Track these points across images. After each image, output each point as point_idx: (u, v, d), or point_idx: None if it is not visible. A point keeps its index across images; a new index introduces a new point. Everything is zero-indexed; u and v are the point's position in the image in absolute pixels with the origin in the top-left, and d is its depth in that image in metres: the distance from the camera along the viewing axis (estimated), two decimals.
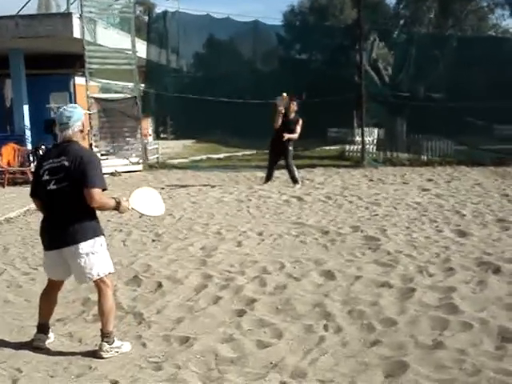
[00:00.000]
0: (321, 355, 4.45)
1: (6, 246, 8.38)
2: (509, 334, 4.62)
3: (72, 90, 18.54)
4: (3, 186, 14.15)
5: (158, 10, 22.40)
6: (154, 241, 8.34)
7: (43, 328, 4.89)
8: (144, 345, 4.78)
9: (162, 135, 26.31)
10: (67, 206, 4.54)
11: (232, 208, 10.72)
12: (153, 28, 19.17)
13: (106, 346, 4.57)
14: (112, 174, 15.92)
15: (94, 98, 16.30)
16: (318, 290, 5.93)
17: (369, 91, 17.28)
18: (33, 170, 14.80)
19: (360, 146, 17.91)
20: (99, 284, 4.66)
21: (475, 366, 4.11)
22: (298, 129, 12.87)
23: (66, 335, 5.06)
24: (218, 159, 19.92)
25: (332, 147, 20.52)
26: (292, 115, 12.92)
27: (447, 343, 4.51)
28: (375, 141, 18.69)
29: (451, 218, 9.15)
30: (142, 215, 4.63)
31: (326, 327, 4.99)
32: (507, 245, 7.36)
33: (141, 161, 17.01)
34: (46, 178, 4.59)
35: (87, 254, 4.56)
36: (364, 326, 4.96)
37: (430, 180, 13.74)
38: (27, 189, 14.49)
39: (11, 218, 10.36)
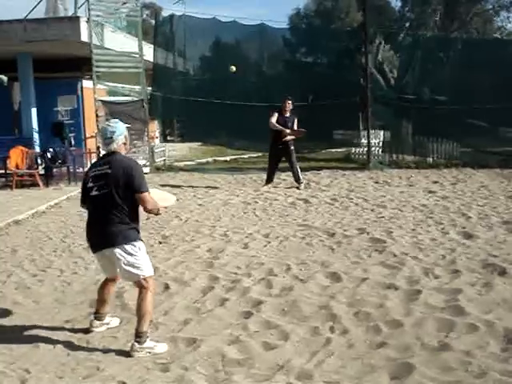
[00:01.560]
0: (327, 357, 4.48)
1: (15, 248, 8.43)
2: None
3: (80, 93, 18.58)
4: (11, 189, 14.21)
5: (165, 13, 22.40)
6: (160, 243, 8.38)
7: (97, 315, 5.26)
8: None
9: (168, 138, 26.39)
10: (107, 211, 4.81)
11: (238, 210, 10.76)
12: (159, 31, 19.21)
13: (136, 346, 4.65)
14: None
15: (102, 101, 16.36)
16: (324, 292, 5.96)
17: (374, 94, 17.30)
18: (41, 172, 14.97)
19: (366, 149, 17.93)
20: (141, 286, 4.83)
21: (481, 368, 4.13)
22: (296, 127, 13.01)
23: (74, 337, 5.09)
24: (225, 161, 19.96)
25: (338, 149, 20.54)
26: (288, 114, 13.06)
27: (453, 345, 4.53)
28: (381, 143, 18.67)
29: (457, 220, 9.16)
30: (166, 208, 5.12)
31: (332, 329, 5.01)
32: None
33: (148, 163, 17.06)
34: (90, 185, 4.92)
35: (124, 258, 4.78)
36: (370, 328, 4.98)
37: (435, 182, 13.75)
38: (35, 191, 14.59)
39: (19, 220, 10.42)
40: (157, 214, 5.28)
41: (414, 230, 8.63)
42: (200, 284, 6.35)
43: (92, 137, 17.11)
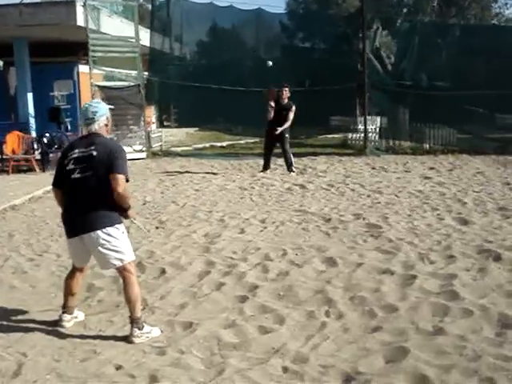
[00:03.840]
0: (322, 341, 4.50)
1: (11, 232, 8.44)
2: (509, 321, 4.66)
3: (76, 78, 18.53)
4: (8, 174, 14.21)
5: None
6: (157, 228, 8.39)
7: (66, 309, 5.05)
8: None
9: (165, 123, 26.34)
10: (90, 194, 4.61)
11: (235, 195, 10.77)
12: (156, 16, 19.11)
13: (136, 332, 4.64)
14: None
15: (98, 85, 16.31)
16: (319, 277, 5.98)
17: (371, 79, 17.28)
18: (37, 157, 14.95)
19: (362, 135, 17.93)
20: (123, 272, 4.74)
21: (475, 352, 4.16)
22: (291, 115, 13.10)
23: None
24: (221, 147, 19.96)
25: (335, 135, 20.56)
26: (285, 101, 13.10)
27: (448, 329, 4.56)
28: (378, 129, 18.69)
29: (453, 206, 9.18)
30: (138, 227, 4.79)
31: (327, 313, 5.04)
32: (508, 232, 7.40)
33: (144, 148, 17.05)
34: (70, 167, 4.67)
35: (109, 241, 4.61)
36: (365, 312, 5.01)
37: (432, 168, 13.78)
38: (32, 176, 14.57)
39: (16, 205, 10.42)
40: (125, 211, 4.76)
41: (409, 215, 8.65)
42: (196, 268, 6.36)
43: None
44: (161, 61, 19.07)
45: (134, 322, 4.68)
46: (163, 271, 6.29)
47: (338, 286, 5.65)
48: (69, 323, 5.01)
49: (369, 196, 10.35)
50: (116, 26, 16.92)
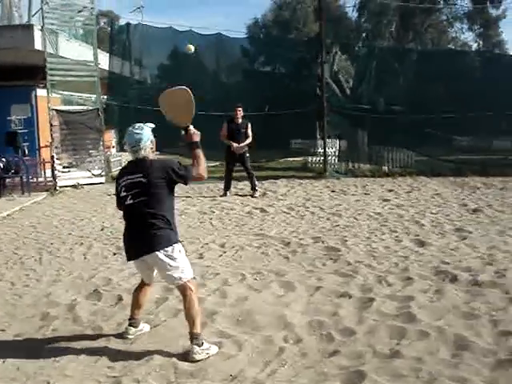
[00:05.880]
0: (280, 366, 4.48)
1: None
2: (465, 342, 4.70)
3: (33, 102, 18.31)
4: None
5: (123, 21, 22.31)
6: (115, 254, 8.29)
7: (132, 321, 5.23)
8: (103, 359, 4.74)
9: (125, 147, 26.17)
10: (145, 218, 4.76)
11: (195, 220, 10.73)
12: (115, 40, 19.07)
13: (196, 349, 4.63)
14: (74, 186, 15.79)
15: (56, 110, 16.14)
16: (278, 302, 5.96)
17: (330, 103, 17.47)
18: None
19: (322, 158, 18.07)
20: (183, 290, 4.81)
21: (431, 374, 4.18)
22: (250, 132, 13.35)
23: (24, 351, 4.98)
24: None
25: (295, 158, 20.65)
26: (240, 121, 13.26)
27: (404, 352, 4.58)
28: (337, 152, 18.88)
29: (411, 228, 9.29)
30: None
31: (285, 338, 5.01)
32: (464, 254, 7.52)
33: (103, 173, 16.89)
34: (123, 194, 4.86)
35: (167, 262, 4.73)
36: (323, 337, 5.01)
37: (390, 190, 13.92)
38: None
39: None
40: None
41: (368, 238, 8.72)
42: (154, 295, 6.27)
43: (46, 146, 16.87)
44: (120, 85, 18.99)
45: (193, 338, 4.68)
46: (120, 298, 6.20)
47: (297, 311, 5.64)
48: (132, 336, 5.14)
49: (328, 219, 10.40)
50: (75, 50, 16.83)
